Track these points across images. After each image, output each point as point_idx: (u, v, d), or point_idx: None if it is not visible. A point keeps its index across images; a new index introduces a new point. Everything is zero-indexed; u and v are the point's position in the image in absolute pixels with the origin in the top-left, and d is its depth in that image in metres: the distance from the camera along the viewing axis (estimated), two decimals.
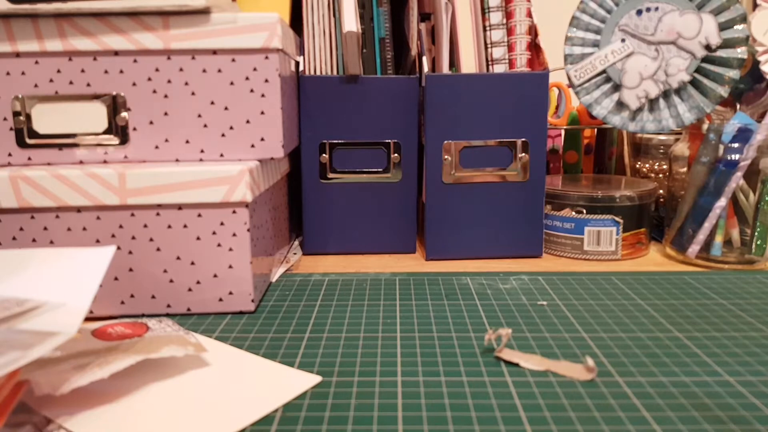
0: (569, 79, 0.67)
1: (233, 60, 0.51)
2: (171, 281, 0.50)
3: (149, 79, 0.51)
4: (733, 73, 0.62)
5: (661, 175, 0.80)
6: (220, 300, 0.51)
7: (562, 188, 0.67)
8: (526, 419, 0.34)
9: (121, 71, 0.51)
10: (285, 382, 0.38)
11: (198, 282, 0.51)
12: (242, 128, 0.52)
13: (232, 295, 0.51)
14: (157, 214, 0.49)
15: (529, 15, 0.65)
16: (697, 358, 0.42)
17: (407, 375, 0.39)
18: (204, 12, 0.50)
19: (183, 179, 0.48)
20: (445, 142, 0.64)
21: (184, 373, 0.40)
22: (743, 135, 0.60)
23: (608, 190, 0.66)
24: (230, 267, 0.50)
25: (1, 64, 0.50)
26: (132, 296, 0.50)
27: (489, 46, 0.66)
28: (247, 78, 0.51)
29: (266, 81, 0.51)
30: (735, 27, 0.61)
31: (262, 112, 0.52)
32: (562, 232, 0.67)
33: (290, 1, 0.70)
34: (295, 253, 0.69)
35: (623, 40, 0.65)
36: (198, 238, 0.50)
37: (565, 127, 0.85)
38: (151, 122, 0.51)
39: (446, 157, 0.65)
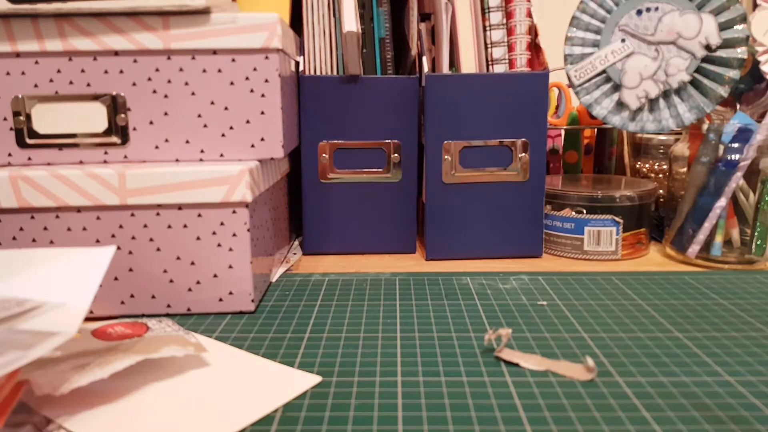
0: (569, 79, 0.67)
1: (233, 60, 0.51)
2: (171, 281, 0.50)
3: (149, 79, 0.51)
4: (733, 73, 0.62)
5: (661, 175, 0.80)
6: (220, 300, 0.51)
7: (562, 188, 0.67)
8: (526, 419, 0.34)
9: (121, 71, 0.51)
10: (285, 382, 0.38)
11: (198, 282, 0.51)
12: (242, 128, 0.52)
13: (232, 295, 0.51)
14: (157, 214, 0.49)
15: (529, 15, 0.65)
16: (697, 358, 0.42)
17: (407, 375, 0.39)
18: (204, 12, 0.50)
19: (183, 179, 0.49)
20: (445, 142, 0.64)
21: (184, 373, 0.40)
22: (743, 135, 0.60)
23: (608, 190, 0.66)
24: (230, 267, 0.50)
25: (1, 64, 0.50)
26: (132, 296, 0.50)
27: (489, 46, 0.66)
28: (247, 78, 0.51)
29: (266, 81, 0.51)
30: (735, 27, 0.61)
31: (262, 112, 0.52)
32: (562, 232, 0.67)
33: (290, 1, 0.70)
34: (295, 253, 0.69)
35: (623, 40, 0.65)
36: (198, 238, 0.50)
37: (565, 127, 0.85)
38: (151, 122, 0.51)
39: (446, 157, 0.65)
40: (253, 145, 0.52)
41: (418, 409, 0.35)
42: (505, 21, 0.65)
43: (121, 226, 0.49)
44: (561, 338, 0.45)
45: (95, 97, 0.51)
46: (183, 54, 0.51)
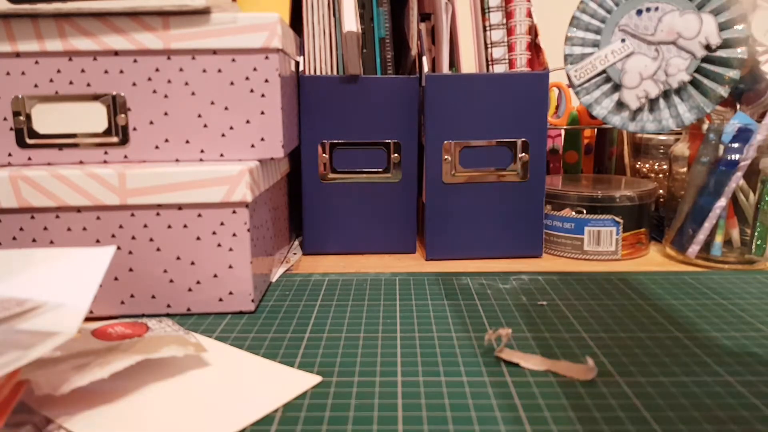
0: (569, 79, 0.67)
1: (233, 60, 0.51)
2: (171, 281, 0.50)
3: (149, 79, 0.51)
4: (733, 73, 0.62)
5: (661, 175, 0.80)
6: (220, 300, 0.51)
7: (562, 188, 0.67)
8: (526, 419, 0.34)
9: (121, 71, 0.51)
10: (285, 382, 0.38)
11: (198, 282, 0.51)
12: (242, 128, 0.52)
13: (232, 295, 0.51)
14: (157, 214, 0.49)
15: (529, 15, 0.65)
16: (697, 358, 0.42)
17: (407, 375, 0.39)
18: (204, 12, 0.50)
19: (183, 179, 0.49)
20: (445, 142, 0.64)
21: (184, 373, 0.40)
22: (743, 135, 0.60)
23: (608, 190, 0.66)
24: (230, 267, 0.50)
25: (1, 64, 0.50)
26: (132, 296, 0.50)
27: (489, 46, 0.66)
28: (247, 78, 0.51)
29: (266, 81, 0.51)
30: (735, 27, 0.61)
31: (262, 112, 0.52)
32: (562, 232, 0.67)
33: (290, 1, 0.70)
34: (295, 253, 0.69)
35: (623, 40, 0.65)
36: (198, 238, 0.50)
37: (565, 127, 0.85)
38: (151, 122, 0.51)
39: (446, 157, 0.65)
40: (253, 145, 0.52)
41: (418, 409, 0.35)
42: (505, 21, 0.65)
43: (121, 226, 0.49)
44: (561, 338, 0.45)
45: (95, 97, 0.51)
46: (183, 54, 0.51)
